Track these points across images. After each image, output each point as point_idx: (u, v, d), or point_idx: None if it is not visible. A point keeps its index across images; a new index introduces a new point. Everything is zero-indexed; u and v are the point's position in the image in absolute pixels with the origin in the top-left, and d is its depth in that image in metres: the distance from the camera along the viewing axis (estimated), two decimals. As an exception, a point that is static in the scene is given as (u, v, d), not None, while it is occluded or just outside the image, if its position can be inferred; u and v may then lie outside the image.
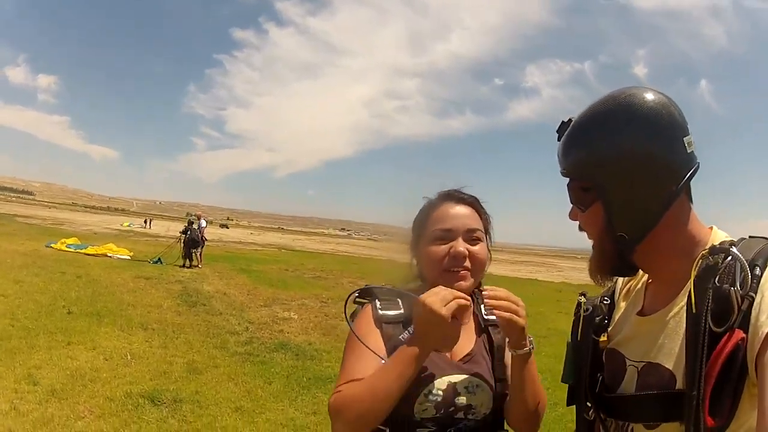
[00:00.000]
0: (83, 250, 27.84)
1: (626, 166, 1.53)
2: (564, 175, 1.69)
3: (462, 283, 2.02)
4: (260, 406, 7.66)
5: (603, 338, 1.82)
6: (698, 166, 1.57)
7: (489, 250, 2.17)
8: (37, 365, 8.27)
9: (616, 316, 1.87)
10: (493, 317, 2.06)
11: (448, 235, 2.07)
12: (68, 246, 28.85)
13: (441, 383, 1.97)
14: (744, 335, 1.30)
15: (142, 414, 6.89)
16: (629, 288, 1.91)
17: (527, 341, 2.00)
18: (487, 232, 2.18)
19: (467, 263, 2.05)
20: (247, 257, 39.24)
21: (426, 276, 2.14)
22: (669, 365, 1.51)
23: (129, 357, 9.33)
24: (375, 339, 2.00)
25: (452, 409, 1.97)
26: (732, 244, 1.45)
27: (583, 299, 1.92)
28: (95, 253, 27.51)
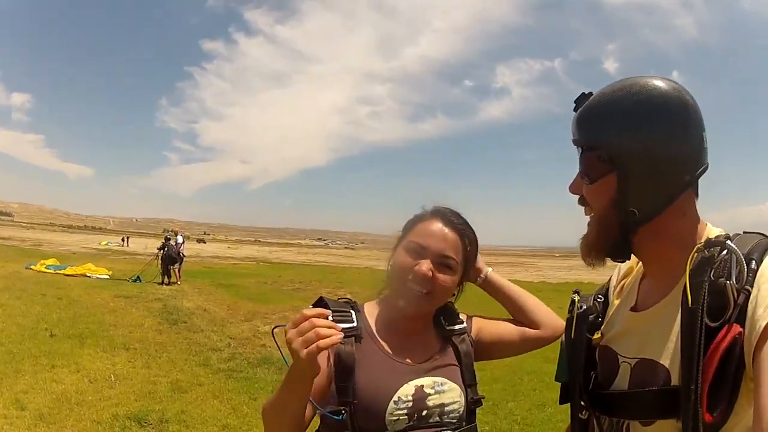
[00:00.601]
0: (63, 271, 27.73)
1: (654, 146, 1.52)
2: (576, 143, 1.68)
3: (420, 305, 2.04)
4: (246, 423, 7.70)
5: (596, 336, 1.83)
6: (708, 165, 1.59)
7: (460, 284, 2.19)
8: (23, 390, 8.31)
9: (610, 313, 1.88)
10: (456, 327, 2.20)
11: (421, 252, 2.04)
12: (48, 267, 28.75)
13: (408, 388, 1.97)
14: (741, 329, 1.30)
15: (129, 436, 6.91)
16: (623, 285, 1.91)
17: (481, 270, 2.30)
18: (464, 265, 2.15)
19: (429, 286, 2.01)
20: (225, 272, 39.21)
21: (391, 279, 2.13)
22: (664, 361, 1.50)
23: (113, 378, 9.35)
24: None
25: (425, 412, 1.96)
26: (727, 237, 1.45)
27: (576, 297, 1.92)
28: (74, 273, 27.39)
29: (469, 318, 2.33)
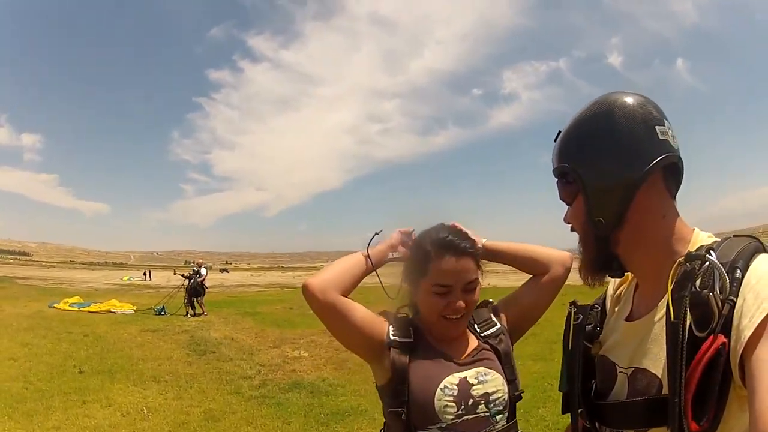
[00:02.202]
0: (87, 308, 27.70)
1: (593, 149, 1.64)
2: (554, 174, 1.79)
3: (454, 329, 2.27)
4: (280, 448, 7.55)
5: (595, 345, 1.86)
6: (676, 158, 1.64)
7: (480, 289, 2.32)
8: (55, 426, 8.29)
9: (608, 322, 1.91)
10: (490, 331, 2.39)
11: (447, 289, 2.21)
12: (71, 305, 28.67)
13: (452, 378, 2.15)
14: (725, 340, 1.31)
15: (166, 467, 6.86)
16: (619, 294, 1.95)
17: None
18: (479, 268, 2.33)
19: (463, 312, 2.23)
20: (250, 300, 39.24)
21: (423, 313, 2.31)
22: (656, 371, 1.53)
23: (146, 411, 9.31)
24: (379, 327, 2.29)
25: (471, 401, 2.13)
26: (710, 248, 1.47)
27: (573, 309, 1.97)
28: (99, 310, 27.34)
29: (496, 308, 2.50)
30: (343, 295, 2.25)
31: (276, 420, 8.93)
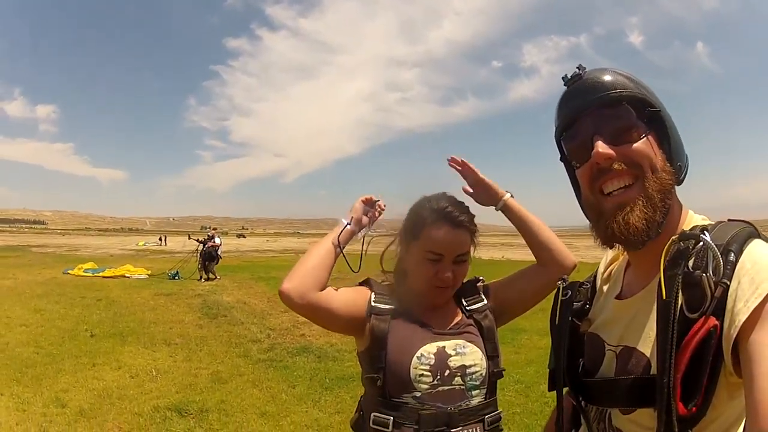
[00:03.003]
0: (101, 274, 27.96)
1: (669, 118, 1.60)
2: (619, 98, 1.56)
3: (441, 297, 2.34)
4: (285, 409, 7.76)
5: (584, 323, 1.85)
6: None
7: (470, 263, 2.38)
8: (64, 389, 8.40)
9: (599, 299, 1.90)
10: (475, 306, 2.43)
11: (439, 258, 2.26)
12: (86, 271, 28.95)
13: (430, 347, 2.20)
14: (717, 322, 1.30)
15: (169, 426, 7.03)
16: (610, 272, 1.94)
17: (498, 195, 2.50)
18: (473, 243, 2.39)
19: (451, 283, 2.29)
20: (264, 265, 39.38)
21: (412, 279, 2.36)
22: (645, 350, 1.51)
23: (154, 373, 9.46)
24: (360, 301, 2.34)
25: (447, 372, 2.16)
26: (704, 229, 1.43)
27: (561, 284, 1.91)
28: (113, 275, 27.63)
29: (486, 288, 2.52)
30: (321, 290, 2.27)
31: (282, 383, 9.02)
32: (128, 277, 27.41)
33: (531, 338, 11.87)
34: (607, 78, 1.60)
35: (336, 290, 2.33)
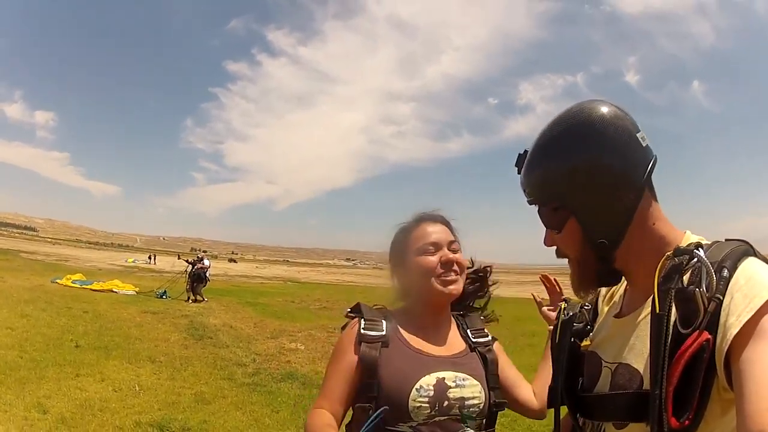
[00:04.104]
0: (89, 286, 27.89)
1: (585, 177, 1.57)
2: (531, 202, 1.74)
3: (454, 286, 2.28)
4: (268, 433, 7.64)
5: (585, 342, 1.85)
6: (656, 159, 1.61)
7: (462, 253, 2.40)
8: (46, 395, 8.36)
9: (599, 321, 1.91)
10: (481, 340, 2.43)
11: (434, 248, 2.29)
12: (74, 282, 28.88)
13: (429, 379, 2.15)
14: (710, 337, 1.30)
15: (151, 443, 6.93)
16: (612, 292, 1.94)
17: None
18: (456, 240, 2.41)
19: (456, 268, 2.29)
20: (252, 290, 39.40)
21: (417, 287, 2.33)
22: (638, 366, 1.52)
23: (137, 388, 9.41)
24: (350, 358, 2.20)
25: (446, 403, 2.13)
26: (699, 245, 1.45)
27: (563, 305, 1.99)
28: (101, 288, 27.53)
29: (494, 340, 2.49)
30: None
31: (266, 407, 8.98)
32: (116, 292, 27.28)
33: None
34: (525, 179, 1.72)
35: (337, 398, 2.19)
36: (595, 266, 1.66)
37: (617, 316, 1.76)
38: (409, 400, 2.10)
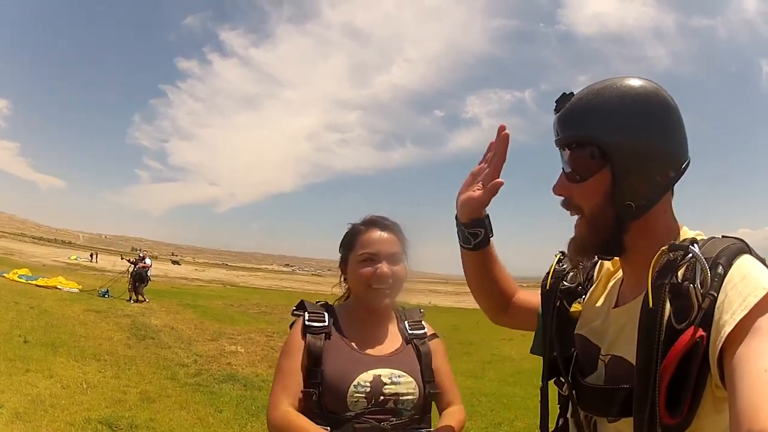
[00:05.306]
0: (34, 282, 27.80)
1: (646, 141, 1.54)
2: (567, 141, 1.65)
3: (386, 300, 2.49)
4: None
5: (575, 307, 1.85)
6: (690, 161, 1.61)
7: (406, 269, 2.55)
8: (0, 389, 8.61)
9: (594, 292, 1.88)
10: (417, 332, 2.60)
11: (373, 258, 2.46)
12: (20, 276, 28.94)
13: (367, 376, 2.35)
14: (703, 333, 1.30)
15: (101, 439, 7.26)
16: (609, 276, 1.88)
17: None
18: (405, 253, 2.57)
19: (390, 281, 2.46)
20: (192, 293, 39.03)
21: (355, 290, 2.58)
22: (631, 359, 1.48)
23: (85, 386, 9.59)
24: (299, 348, 2.42)
25: (381, 398, 2.34)
26: (694, 241, 1.45)
27: (559, 255, 1.95)
28: (46, 285, 27.39)
29: (434, 336, 2.68)
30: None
31: (209, 407, 9.25)
32: (60, 289, 27.17)
33: (456, 379, 11.82)
34: (566, 116, 1.65)
35: (289, 377, 2.39)
36: (609, 227, 1.61)
37: (615, 306, 1.74)
38: (348, 395, 2.30)
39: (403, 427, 2.38)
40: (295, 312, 2.60)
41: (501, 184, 1.94)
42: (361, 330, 2.54)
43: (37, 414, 7.79)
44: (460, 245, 2.13)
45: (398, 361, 2.47)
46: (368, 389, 2.34)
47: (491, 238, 2.09)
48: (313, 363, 2.39)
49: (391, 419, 2.36)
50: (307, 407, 2.34)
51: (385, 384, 2.37)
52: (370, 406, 2.34)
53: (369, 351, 2.48)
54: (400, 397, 2.38)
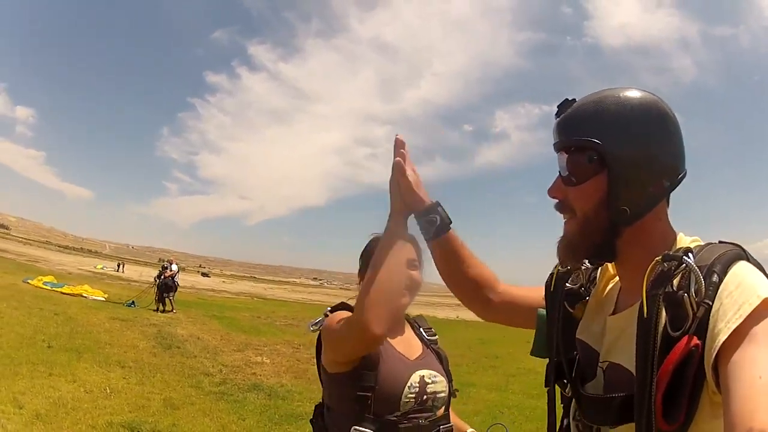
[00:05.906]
0: (60, 289, 27.86)
1: (644, 148, 1.57)
2: (566, 145, 1.68)
3: (404, 300, 2.50)
4: (235, 439, 7.85)
5: (578, 308, 1.86)
6: (686, 173, 1.63)
7: (422, 277, 2.60)
8: (21, 391, 8.54)
9: (595, 295, 1.87)
10: (433, 338, 2.76)
11: None
12: (45, 283, 28.88)
13: (415, 377, 2.46)
14: (699, 342, 1.30)
15: (124, 443, 7.16)
16: (610, 275, 1.87)
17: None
18: (420, 263, 2.61)
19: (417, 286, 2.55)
20: (219, 304, 39.14)
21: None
22: (629, 366, 1.48)
23: (108, 391, 9.56)
24: None
25: (425, 397, 2.46)
26: (688, 250, 1.44)
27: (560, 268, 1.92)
28: (71, 292, 27.48)
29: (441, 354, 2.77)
30: None
31: (232, 415, 9.19)
32: (85, 297, 27.23)
33: (479, 392, 12.35)
34: (567, 121, 1.69)
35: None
36: (602, 231, 1.63)
37: (612, 313, 1.74)
38: (402, 396, 2.38)
39: (435, 422, 2.49)
40: (335, 308, 2.63)
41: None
42: (391, 335, 2.57)
43: (58, 416, 7.75)
44: (425, 240, 2.24)
45: (428, 363, 2.60)
46: (417, 389, 2.44)
47: (451, 225, 2.19)
48: (367, 366, 2.38)
49: (428, 416, 2.46)
50: (352, 410, 2.35)
51: (428, 383, 2.48)
52: (416, 405, 2.43)
53: (407, 355, 2.56)
54: (437, 395, 2.52)
